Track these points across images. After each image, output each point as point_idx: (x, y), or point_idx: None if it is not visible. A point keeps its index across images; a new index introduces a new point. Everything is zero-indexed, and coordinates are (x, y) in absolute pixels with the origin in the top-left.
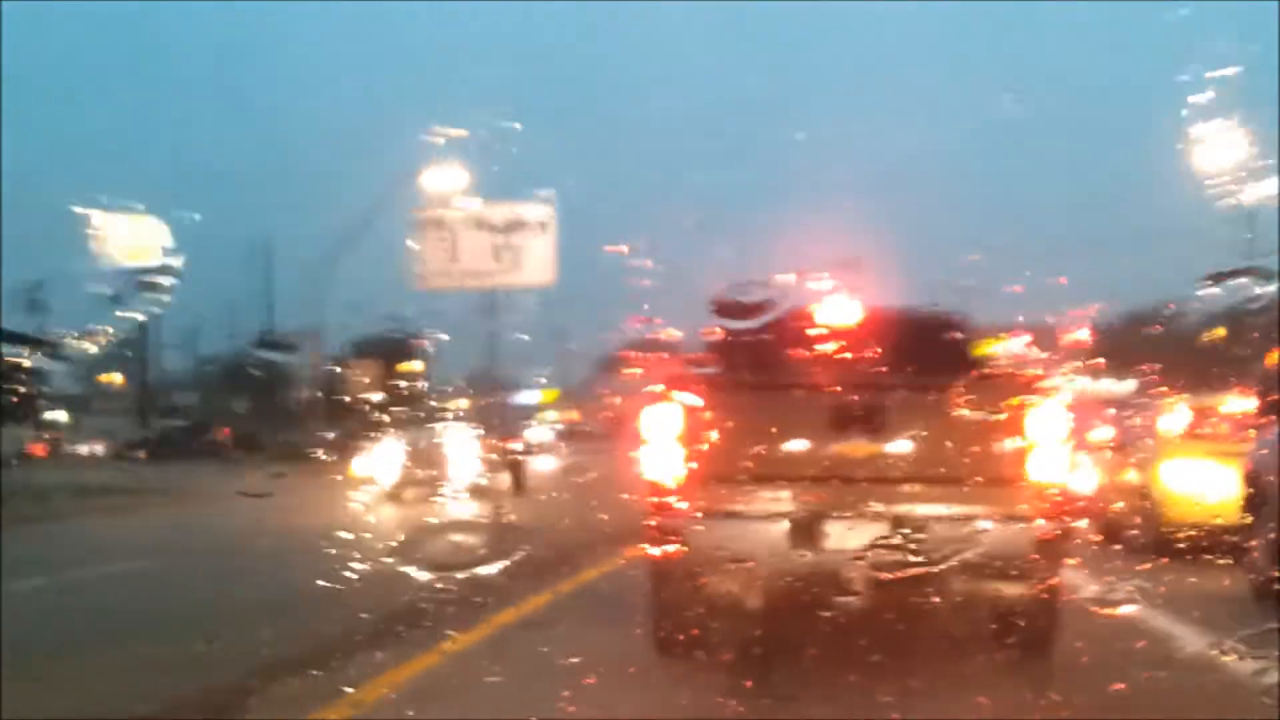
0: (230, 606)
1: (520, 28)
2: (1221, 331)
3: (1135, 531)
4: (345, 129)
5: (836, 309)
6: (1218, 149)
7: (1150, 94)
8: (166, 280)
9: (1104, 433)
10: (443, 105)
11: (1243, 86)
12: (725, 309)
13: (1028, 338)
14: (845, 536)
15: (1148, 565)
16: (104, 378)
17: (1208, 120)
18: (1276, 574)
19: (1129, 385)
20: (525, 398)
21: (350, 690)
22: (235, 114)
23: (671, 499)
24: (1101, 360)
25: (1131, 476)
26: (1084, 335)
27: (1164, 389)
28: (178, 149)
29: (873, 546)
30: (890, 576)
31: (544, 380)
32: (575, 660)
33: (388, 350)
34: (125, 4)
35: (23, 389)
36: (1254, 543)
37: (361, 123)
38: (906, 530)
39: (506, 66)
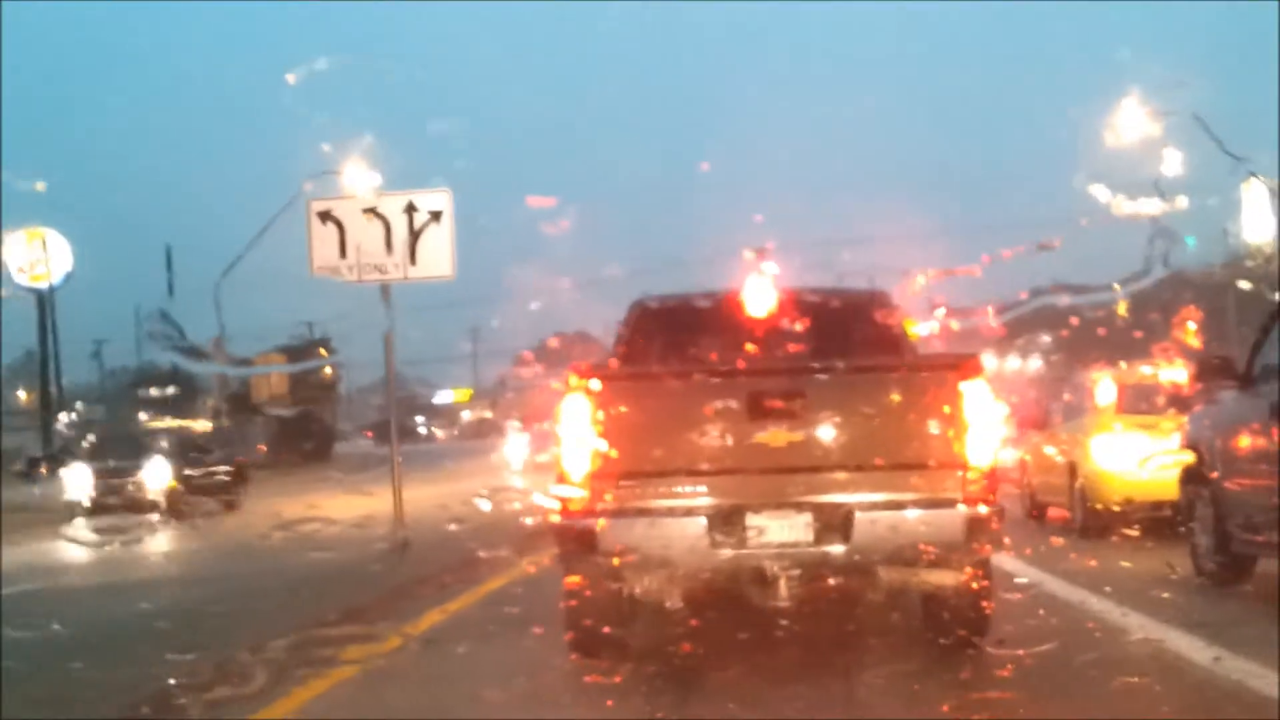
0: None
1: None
2: (1123, 308)
3: (1064, 511)
4: (255, 137)
5: (752, 293)
6: (1131, 140)
7: (1066, 94)
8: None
9: (1024, 411)
10: (356, 105)
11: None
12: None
13: (942, 311)
14: (767, 530)
15: (1079, 545)
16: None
17: (1119, 116)
18: (1219, 550)
19: (1036, 363)
20: (440, 397)
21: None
22: (144, 124)
23: (583, 495)
24: (1013, 339)
25: (1054, 453)
26: (992, 319)
27: (1077, 364)
28: (83, 161)
29: (795, 540)
30: (815, 569)
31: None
32: (487, 674)
33: (295, 356)
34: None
35: None
36: (1194, 519)
37: (270, 130)
38: (830, 520)
39: (429, 68)
